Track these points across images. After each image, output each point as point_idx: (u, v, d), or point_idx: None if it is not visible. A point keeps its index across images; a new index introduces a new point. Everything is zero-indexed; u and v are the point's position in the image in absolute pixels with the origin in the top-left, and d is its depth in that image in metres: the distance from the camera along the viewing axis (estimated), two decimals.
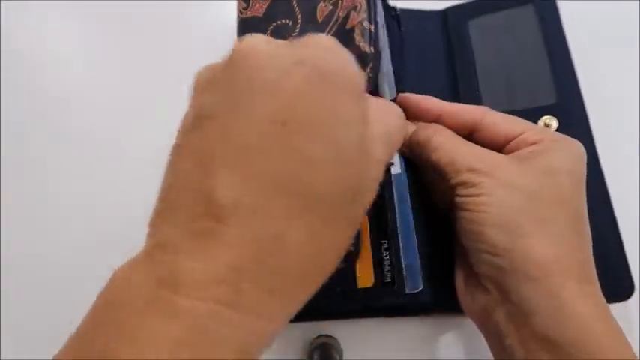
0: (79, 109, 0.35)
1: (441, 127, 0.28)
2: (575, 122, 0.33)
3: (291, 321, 0.29)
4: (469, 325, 0.30)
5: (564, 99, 0.34)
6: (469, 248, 0.26)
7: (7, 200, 0.33)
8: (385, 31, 0.34)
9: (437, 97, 0.35)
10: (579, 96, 0.34)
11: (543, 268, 0.23)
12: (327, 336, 0.30)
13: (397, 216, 0.28)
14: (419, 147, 0.27)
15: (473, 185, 0.25)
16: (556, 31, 0.36)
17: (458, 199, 0.25)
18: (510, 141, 0.27)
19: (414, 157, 0.28)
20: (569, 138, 0.26)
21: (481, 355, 0.30)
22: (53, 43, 0.39)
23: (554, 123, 0.33)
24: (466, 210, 0.25)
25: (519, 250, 0.23)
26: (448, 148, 0.26)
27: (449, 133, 0.27)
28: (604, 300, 0.23)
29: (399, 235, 0.28)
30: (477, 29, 0.37)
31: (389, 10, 0.35)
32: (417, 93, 0.34)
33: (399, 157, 0.30)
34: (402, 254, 0.27)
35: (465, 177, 0.25)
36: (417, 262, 0.27)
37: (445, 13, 0.38)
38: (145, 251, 0.17)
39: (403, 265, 0.27)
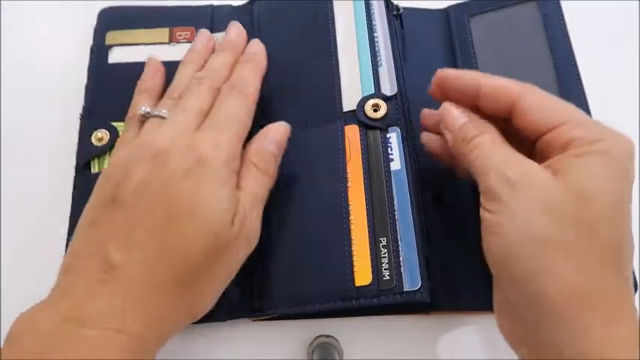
0: (74, 103, 0.34)
1: (491, 128, 0.25)
2: None
3: (291, 319, 0.30)
4: (469, 325, 0.30)
5: (567, 98, 0.33)
6: (492, 271, 0.24)
7: (7, 200, 0.33)
8: (387, 29, 0.34)
9: None
10: (583, 95, 0.33)
11: (563, 305, 0.21)
12: (327, 336, 0.29)
13: (396, 213, 0.28)
14: (463, 143, 0.25)
15: (494, 197, 0.23)
16: (559, 29, 0.35)
17: (481, 213, 0.24)
18: (543, 134, 0.24)
19: (457, 153, 0.26)
20: (615, 135, 0.23)
21: (481, 355, 0.30)
22: (53, 43, 0.38)
23: None
24: (485, 229, 0.23)
25: (538, 283, 0.21)
26: (485, 149, 0.24)
27: (495, 136, 0.25)
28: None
29: (398, 233, 0.28)
30: (479, 27, 0.37)
31: (391, 9, 0.35)
32: (418, 91, 0.34)
33: (401, 152, 0.30)
34: (400, 252, 0.27)
35: (490, 182, 0.23)
36: (416, 260, 0.27)
37: (447, 12, 0.38)
38: (47, 299, 0.23)
39: (402, 263, 0.27)
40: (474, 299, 0.30)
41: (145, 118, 0.29)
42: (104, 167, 0.31)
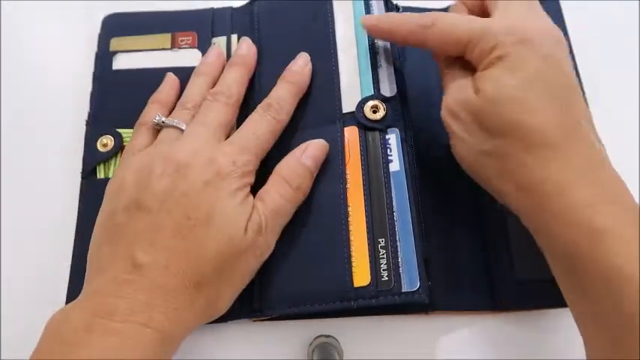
0: (80, 109, 0.35)
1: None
2: None
3: (290, 319, 0.30)
4: (468, 325, 0.30)
5: None
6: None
7: (6, 199, 0.34)
8: None
9: (438, 94, 0.35)
10: (583, 95, 0.33)
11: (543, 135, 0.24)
12: (327, 336, 0.29)
13: (395, 214, 0.28)
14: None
15: (449, 128, 0.28)
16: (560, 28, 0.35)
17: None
18: (465, 56, 0.28)
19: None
20: (505, 29, 0.26)
21: (481, 355, 0.30)
22: (53, 43, 0.39)
23: None
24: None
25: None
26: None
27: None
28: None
29: (397, 233, 0.28)
30: None
31: (391, 8, 0.35)
32: (418, 90, 0.35)
33: (400, 153, 0.30)
34: (399, 252, 0.27)
35: (442, 117, 0.28)
36: (415, 261, 0.27)
37: (447, 11, 0.38)
38: (80, 298, 0.25)
39: (400, 264, 0.27)
40: (474, 299, 0.30)
41: (159, 126, 0.31)
42: (112, 172, 0.32)
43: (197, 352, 0.29)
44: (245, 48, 0.34)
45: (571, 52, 0.35)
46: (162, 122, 0.30)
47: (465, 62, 0.28)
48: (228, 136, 0.30)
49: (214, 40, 0.37)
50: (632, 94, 0.36)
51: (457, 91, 0.27)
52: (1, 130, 0.36)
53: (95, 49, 0.37)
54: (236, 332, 0.30)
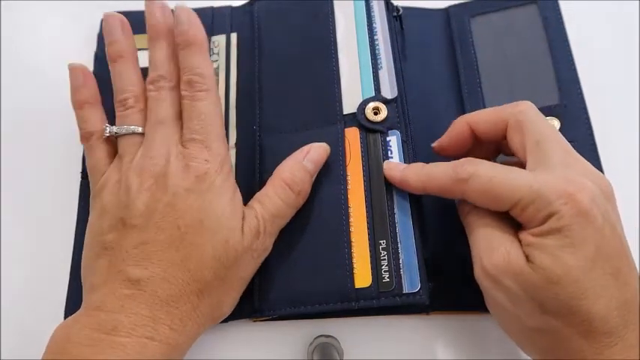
0: None
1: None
2: (577, 123, 0.33)
3: (291, 320, 0.30)
4: (469, 325, 0.31)
5: (567, 100, 0.33)
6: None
7: (6, 199, 0.34)
8: (388, 31, 0.34)
9: (439, 95, 0.35)
10: (581, 97, 0.34)
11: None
12: (327, 336, 0.30)
13: (396, 216, 0.28)
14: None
15: (484, 290, 0.26)
16: (559, 31, 0.36)
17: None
18: (507, 206, 0.24)
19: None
20: (566, 197, 0.23)
21: (481, 355, 0.30)
22: (53, 43, 0.39)
23: (556, 123, 0.33)
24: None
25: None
26: (470, 232, 0.26)
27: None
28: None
29: (398, 235, 0.28)
30: (480, 28, 0.37)
31: (392, 9, 0.35)
32: (418, 91, 0.35)
33: (401, 155, 0.30)
34: (400, 254, 0.27)
35: (476, 274, 0.25)
36: (416, 262, 0.27)
37: (447, 12, 0.38)
38: (81, 312, 0.25)
39: (401, 265, 0.27)
40: (475, 300, 0.30)
41: (113, 137, 0.29)
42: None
43: (197, 352, 0.29)
44: (158, 13, 0.31)
45: (570, 55, 0.35)
46: (116, 133, 0.29)
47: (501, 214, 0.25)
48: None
49: (214, 38, 0.37)
50: (632, 94, 0.36)
51: (498, 254, 0.24)
52: (1, 130, 0.36)
53: (94, 49, 0.36)
54: (236, 332, 0.30)
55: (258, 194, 0.28)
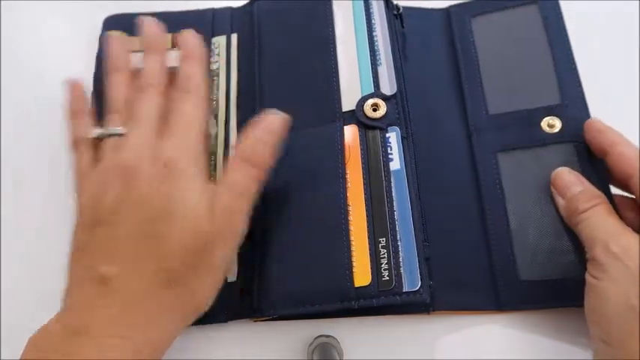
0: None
1: (601, 199, 0.28)
2: (578, 123, 0.32)
3: (291, 319, 0.30)
4: (469, 325, 0.30)
5: (568, 100, 0.33)
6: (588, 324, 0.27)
7: (7, 199, 0.34)
8: (387, 28, 0.34)
9: (439, 95, 0.35)
10: (582, 97, 0.33)
11: None
12: (327, 336, 0.29)
13: (396, 213, 0.28)
14: (574, 214, 0.29)
15: (599, 267, 0.26)
16: (559, 31, 0.35)
17: (587, 277, 0.26)
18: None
19: (566, 217, 0.30)
20: None
21: (481, 355, 0.30)
22: (54, 44, 0.39)
23: (557, 123, 0.33)
24: (589, 291, 0.26)
25: (623, 347, 0.24)
26: (592, 223, 0.27)
27: (604, 208, 0.28)
28: None
29: (398, 233, 0.28)
30: (481, 28, 0.37)
31: (392, 8, 0.35)
32: (418, 91, 0.34)
33: (400, 152, 0.30)
34: (400, 252, 0.27)
35: (596, 253, 0.26)
36: (416, 261, 0.27)
37: (448, 12, 0.38)
38: (54, 318, 0.25)
39: (401, 264, 0.27)
40: (476, 299, 0.30)
41: (99, 139, 0.29)
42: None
43: (197, 352, 0.29)
44: (153, 30, 0.32)
45: (571, 55, 0.35)
46: (100, 134, 0.29)
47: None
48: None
49: (214, 39, 0.37)
50: (632, 94, 0.35)
51: (625, 234, 0.26)
52: (1, 130, 0.36)
53: (95, 49, 0.37)
54: (236, 332, 0.30)
55: (222, 177, 0.28)
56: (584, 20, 0.37)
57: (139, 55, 0.36)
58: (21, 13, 0.40)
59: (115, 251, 0.25)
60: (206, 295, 0.27)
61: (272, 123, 0.29)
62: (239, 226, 0.27)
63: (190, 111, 0.29)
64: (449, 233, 0.31)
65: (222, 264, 0.27)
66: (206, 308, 0.27)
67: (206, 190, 0.27)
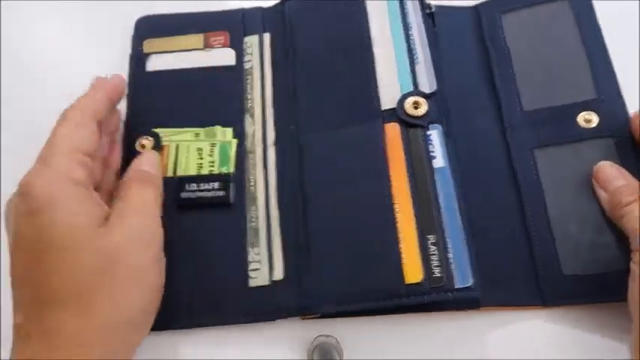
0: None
1: None
2: (615, 118, 0.33)
3: (333, 317, 0.29)
4: (469, 325, 0.30)
5: (604, 95, 0.33)
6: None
7: (6, 199, 0.33)
8: (423, 26, 0.34)
9: (472, 93, 0.35)
10: (619, 92, 0.33)
11: None
12: (327, 336, 0.29)
13: (442, 210, 0.28)
14: (617, 207, 0.29)
15: None
16: (593, 27, 0.35)
17: (632, 265, 0.27)
18: None
19: (609, 210, 0.30)
20: None
21: (482, 354, 0.29)
22: (53, 43, 0.39)
23: (594, 118, 0.33)
24: (633, 280, 0.26)
25: None
26: (636, 215, 0.27)
27: None
28: None
29: (446, 230, 0.28)
30: (511, 24, 0.37)
31: (425, 6, 0.35)
32: (451, 90, 0.34)
33: (444, 149, 0.30)
34: (449, 249, 0.27)
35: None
36: (467, 257, 0.27)
37: (476, 10, 0.38)
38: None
39: (451, 260, 0.27)
40: (517, 295, 0.30)
41: None
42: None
43: (197, 352, 0.29)
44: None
45: (606, 52, 0.35)
46: None
47: None
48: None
49: (246, 39, 0.37)
50: (632, 94, 0.34)
51: None
52: (1, 131, 0.35)
53: (129, 51, 0.37)
54: (236, 332, 0.30)
55: (115, 200, 0.27)
56: None
57: (172, 55, 0.36)
58: (21, 13, 0.39)
59: (14, 285, 0.25)
60: (135, 303, 0.25)
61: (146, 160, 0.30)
62: (147, 234, 0.26)
63: (61, 132, 0.28)
64: (487, 230, 0.31)
65: (142, 274, 0.26)
66: (146, 324, 0.26)
67: (87, 200, 0.26)
